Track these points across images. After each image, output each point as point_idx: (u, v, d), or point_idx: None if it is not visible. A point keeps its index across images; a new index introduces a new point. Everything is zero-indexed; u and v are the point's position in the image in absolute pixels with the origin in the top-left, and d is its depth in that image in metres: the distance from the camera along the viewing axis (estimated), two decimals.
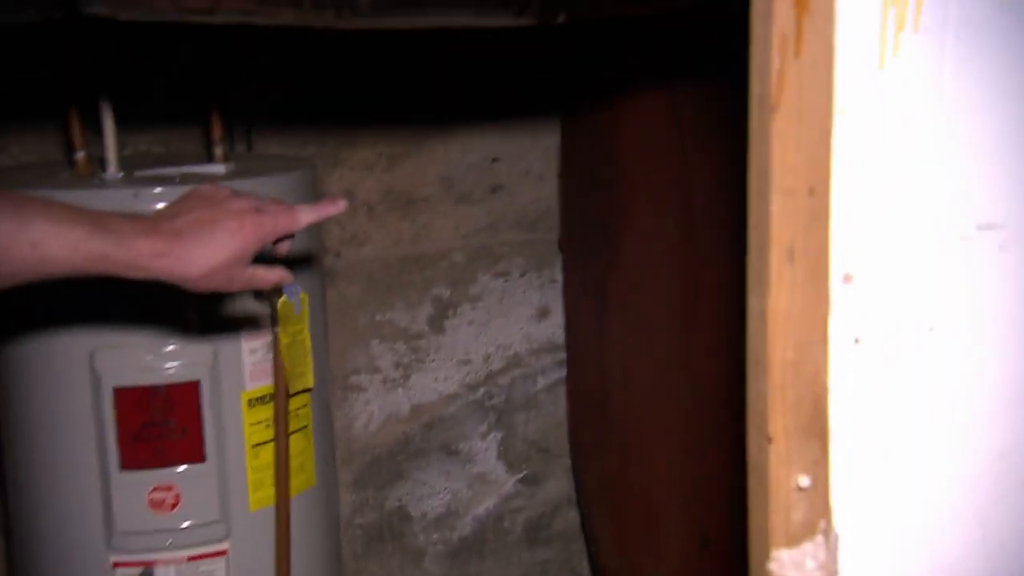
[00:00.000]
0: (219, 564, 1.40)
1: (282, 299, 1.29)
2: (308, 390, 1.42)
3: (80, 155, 1.40)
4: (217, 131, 1.47)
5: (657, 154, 1.42)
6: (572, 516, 1.96)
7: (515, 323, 1.92)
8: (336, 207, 1.07)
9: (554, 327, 1.93)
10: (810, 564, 0.58)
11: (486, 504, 1.92)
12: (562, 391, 1.95)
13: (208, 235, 0.95)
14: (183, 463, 1.35)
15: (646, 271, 1.50)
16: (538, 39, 1.42)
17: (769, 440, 0.57)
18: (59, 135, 1.57)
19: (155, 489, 1.35)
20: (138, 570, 1.38)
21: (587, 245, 1.73)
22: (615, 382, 1.63)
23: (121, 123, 1.37)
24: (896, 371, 0.59)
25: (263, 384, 1.40)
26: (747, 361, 0.59)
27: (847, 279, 0.55)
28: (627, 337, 1.57)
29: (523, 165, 1.82)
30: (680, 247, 1.39)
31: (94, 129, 1.38)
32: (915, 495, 0.62)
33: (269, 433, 1.41)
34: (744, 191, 0.61)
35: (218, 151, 1.47)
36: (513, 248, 1.87)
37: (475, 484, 1.92)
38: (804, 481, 0.57)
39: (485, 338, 1.90)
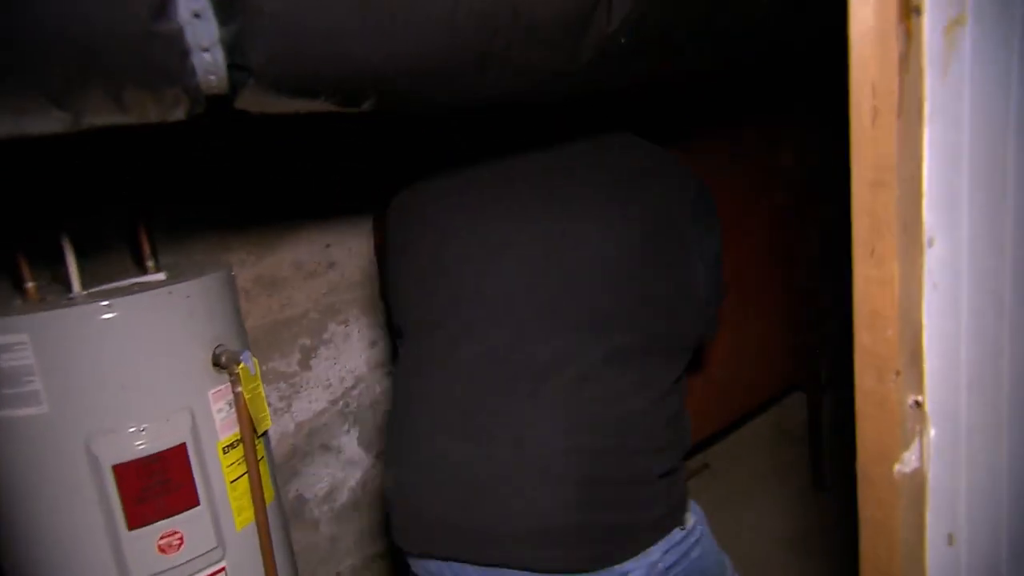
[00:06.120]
0: None
1: (240, 365, 1.43)
2: (267, 430, 1.55)
3: (30, 285, 1.47)
4: (147, 247, 1.57)
5: None
6: None
7: (357, 353, 2.37)
8: None
9: (381, 352, 2.41)
10: (913, 457, 0.60)
11: (355, 477, 2.38)
12: None
13: None
14: (183, 510, 1.42)
15: None
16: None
17: (897, 373, 0.57)
18: None
19: (162, 537, 1.40)
20: None
21: None
22: None
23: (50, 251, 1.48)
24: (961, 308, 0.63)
25: (231, 433, 1.50)
26: (858, 314, 0.59)
27: (930, 243, 0.57)
28: None
29: (347, 247, 2.32)
30: None
31: (39, 262, 1.51)
32: (983, 404, 0.64)
33: (241, 468, 1.50)
34: None
35: (150, 263, 1.57)
36: (348, 303, 2.33)
37: (346, 467, 2.38)
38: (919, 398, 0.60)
39: (338, 367, 2.34)
